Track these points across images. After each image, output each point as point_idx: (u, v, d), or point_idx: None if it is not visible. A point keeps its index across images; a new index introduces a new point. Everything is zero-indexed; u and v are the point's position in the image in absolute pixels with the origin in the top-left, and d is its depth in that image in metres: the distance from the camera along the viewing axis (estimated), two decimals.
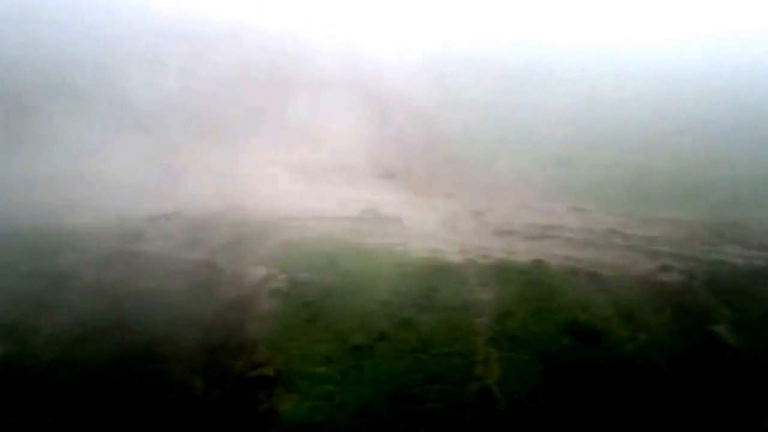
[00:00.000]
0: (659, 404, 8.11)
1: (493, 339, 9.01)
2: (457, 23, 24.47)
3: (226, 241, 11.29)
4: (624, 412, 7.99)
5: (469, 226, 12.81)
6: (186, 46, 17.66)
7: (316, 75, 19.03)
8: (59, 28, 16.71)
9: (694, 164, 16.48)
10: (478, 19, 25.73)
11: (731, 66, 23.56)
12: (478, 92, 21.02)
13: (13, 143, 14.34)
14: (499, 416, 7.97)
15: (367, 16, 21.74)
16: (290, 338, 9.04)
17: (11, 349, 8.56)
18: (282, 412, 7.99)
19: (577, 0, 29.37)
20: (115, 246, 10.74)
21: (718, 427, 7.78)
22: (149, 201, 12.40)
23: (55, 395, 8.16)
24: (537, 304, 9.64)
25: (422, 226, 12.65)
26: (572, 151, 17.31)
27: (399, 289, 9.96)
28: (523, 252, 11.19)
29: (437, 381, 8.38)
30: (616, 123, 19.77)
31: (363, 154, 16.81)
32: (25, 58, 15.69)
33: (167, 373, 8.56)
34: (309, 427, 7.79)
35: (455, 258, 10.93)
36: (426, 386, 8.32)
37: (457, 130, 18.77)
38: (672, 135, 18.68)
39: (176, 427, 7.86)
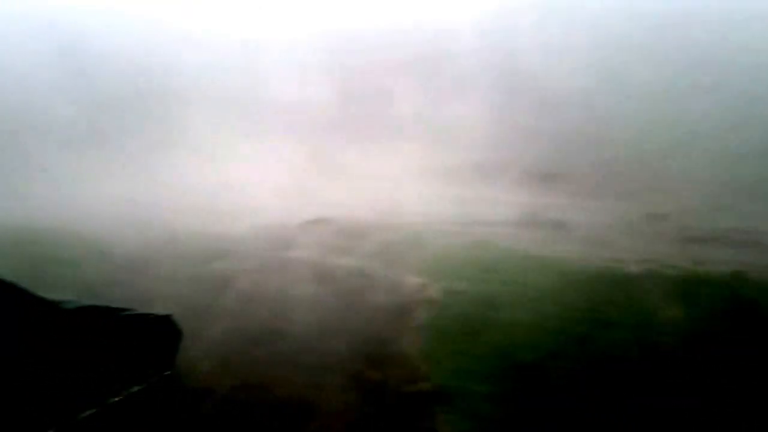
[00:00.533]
0: None
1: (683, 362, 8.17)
2: None
3: (377, 247, 11.40)
4: None
5: (649, 232, 11.88)
6: (326, 52, 18.11)
7: (457, 69, 18.55)
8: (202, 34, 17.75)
9: None
10: None
11: None
12: (648, 76, 19.30)
13: (160, 150, 15.49)
14: None
15: None
16: (448, 352, 8.82)
17: None
18: None
19: None
20: (268, 252, 11.18)
21: None
22: (298, 207, 12.83)
23: (214, 404, 8.51)
24: (738, 323, 8.60)
25: (591, 231, 11.95)
26: None
27: (567, 302, 9.41)
28: (717, 262, 10.10)
29: None
30: None
31: (517, 151, 16.25)
32: (168, 65, 16.87)
33: (319, 385, 8.68)
34: None
35: (633, 268, 10.18)
36: None
37: (624, 120, 17.43)
38: None
39: None
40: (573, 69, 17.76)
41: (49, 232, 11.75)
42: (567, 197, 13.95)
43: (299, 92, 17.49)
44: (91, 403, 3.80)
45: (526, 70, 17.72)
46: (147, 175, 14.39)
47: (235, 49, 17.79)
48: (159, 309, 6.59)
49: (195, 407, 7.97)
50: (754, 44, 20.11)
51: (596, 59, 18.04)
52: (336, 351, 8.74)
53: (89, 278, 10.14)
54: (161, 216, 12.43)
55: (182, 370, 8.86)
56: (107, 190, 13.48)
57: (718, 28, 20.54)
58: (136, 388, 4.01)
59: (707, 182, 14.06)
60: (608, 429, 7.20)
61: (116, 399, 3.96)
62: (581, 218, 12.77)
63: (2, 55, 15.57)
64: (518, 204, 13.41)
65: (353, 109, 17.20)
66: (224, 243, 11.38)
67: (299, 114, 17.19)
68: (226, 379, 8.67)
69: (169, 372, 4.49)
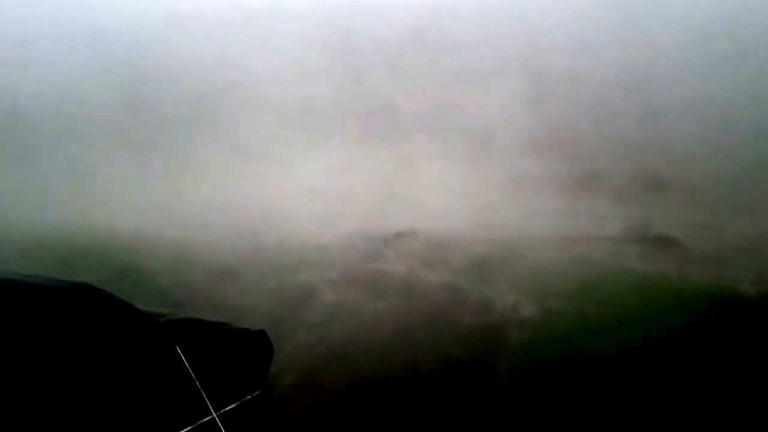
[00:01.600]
0: None
1: None
2: None
3: (469, 262, 11.42)
4: None
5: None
6: (418, 54, 18.13)
7: (555, 73, 18.07)
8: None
9: None
10: None
11: None
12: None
13: (234, 156, 15.88)
14: None
15: None
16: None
17: None
18: None
19: None
20: (354, 264, 11.37)
21: None
22: (386, 217, 12.88)
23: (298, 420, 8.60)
24: None
25: (706, 249, 11.41)
26: None
27: (678, 326, 9.01)
28: None
29: None
30: None
31: (622, 159, 15.72)
32: (231, 69, 17.28)
33: (408, 407, 8.63)
34: None
35: (749, 289, 9.67)
36: None
37: (742, 127, 16.49)
38: None
39: None
40: (681, 73, 16.99)
41: (127, 239, 12.25)
42: (677, 210, 13.42)
43: (383, 92, 17.53)
44: (183, 422, 3.87)
45: (630, 75, 17.13)
46: (226, 182, 14.79)
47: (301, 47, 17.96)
48: (245, 322, 6.73)
49: (281, 424, 8.12)
50: None
51: (707, 63, 17.22)
52: (424, 373, 8.68)
53: (169, 288, 10.50)
54: (246, 223, 12.79)
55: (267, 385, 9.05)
56: (188, 197, 13.94)
57: None
58: (229, 407, 4.10)
59: None
60: None
61: (209, 418, 4.02)
62: (692, 233, 12.27)
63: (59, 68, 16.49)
64: (622, 217, 13.10)
65: (443, 113, 17.11)
66: (309, 253, 11.68)
67: (382, 115, 17.24)
68: (308, 394, 8.78)
69: (260, 390, 4.58)
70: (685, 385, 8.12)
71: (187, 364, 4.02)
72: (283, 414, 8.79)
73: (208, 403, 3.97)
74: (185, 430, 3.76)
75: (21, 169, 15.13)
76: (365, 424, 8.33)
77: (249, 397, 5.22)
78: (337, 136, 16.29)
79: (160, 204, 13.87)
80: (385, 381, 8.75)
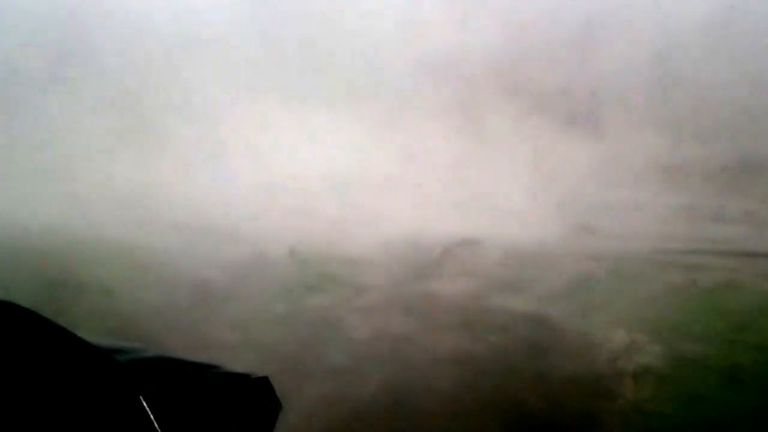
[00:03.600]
0: None
1: None
2: None
3: (561, 283, 11.33)
4: None
5: None
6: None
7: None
8: None
9: None
10: None
11: None
12: None
13: (230, 137, 16.01)
14: None
15: None
16: None
17: None
18: None
19: None
20: (400, 282, 11.27)
21: None
22: (444, 218, 12.81)
23: None
24: None
25: None
26: None
27: None
28: None
29: None
30: None
31: None
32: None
33: None
34: None
35: None
36: None
37: None
38: None
39: None
40: None
41: (65, 241, 12.33)
42: None
43: (442, 35, 17.64)
44: None
45: None
46: (208, 162, 14.87)
47: None
48: (239, 366, 6.65)
49: None
50: None
51: None
52: None
53: (129, 314, 10.54)
54: (243, 225, 12.77)
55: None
56: (152, 184, 14.06)
57: None
58: None
59: None
60: None
61: None
62: None
63: None
64: None
65: (528, 72, 17.11)
66: (332, 268, 11.61)
67: (439, 80, 17.34)
68: None
69: None
70: None
71: (156, 424, 3.89)
72: None
73: None
74: None
75: None
76: None
77: None
78: (370, 100, 16.29)
79: (114, 194, 13.99)
80: None
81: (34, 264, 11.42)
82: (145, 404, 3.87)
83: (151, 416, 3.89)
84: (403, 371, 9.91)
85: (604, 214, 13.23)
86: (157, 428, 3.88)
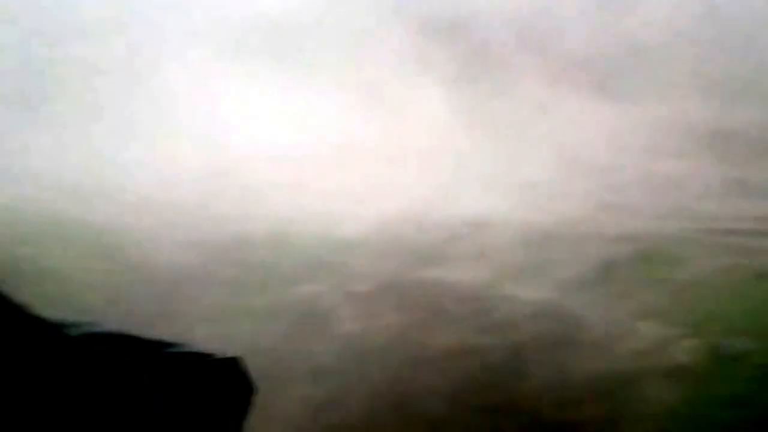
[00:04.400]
0: None
1: None
2: None
3: (584, 269, 11.34)
4: None
5: None
6: None
7: None
8: None
9: None
10: None
11: None
12: None
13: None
14: None
15: None
16: None
17: None
18: None
19: None
20: (393, 270, 11.30)
21: None
22: (453, 199, 12.89)
23: None
24: None
25: None
26: None
27: None
28: None
29: None
30: None
31: None
32: None
33: None
34: None
35: None
36: None
37: None
38: None
39: None
40: None
41: (21, 220, 12.45)
42: None
43: None
44: None
45: None
46: (189, 136, 15.05)
47: None
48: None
49: None
50: None
51: None
52: None
53: (88, 304, 10.62)
54: (218, 201, 12.92)
55: None
56: (116, 156, 14.23)
57: None
58: None
59: None
60: None
61: None
62: None
63: None
64: None
65: (549, 27, 17.26)
66: (322, 252, 11.72)
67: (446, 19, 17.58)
68: None
69: None
70: None
71: (111, 402, 4.06)
72: None
73: None
74: None
75: None
76: None
77: None
78: (363, 61, 16.37)
79: (72, 169, 14.08)
80: None
81: None
82: (97, 377, 4.00)
83: (105, 393, 4.02)
84: (400, 371, 9.90)
85: (635, 188, 13.29)
86: (110, 406, 4.00)
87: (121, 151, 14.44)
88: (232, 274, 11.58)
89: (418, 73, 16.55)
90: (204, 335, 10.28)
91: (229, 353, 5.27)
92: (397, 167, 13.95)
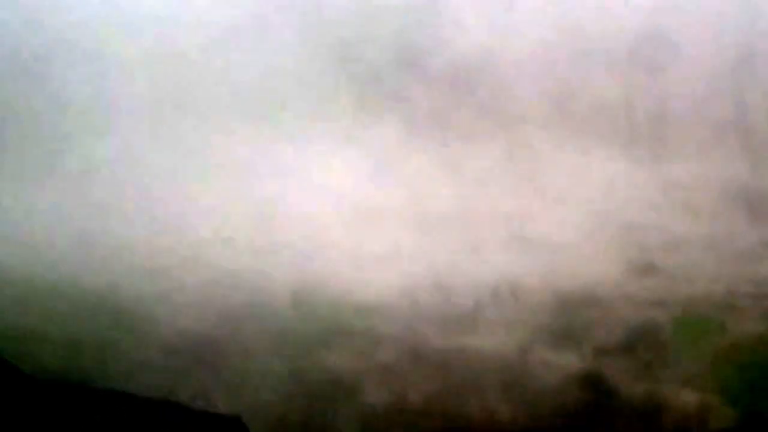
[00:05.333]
0: None
1: None
2: None
3: (620, 334, 11.25)
4: None
5: None
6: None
7: None
8: None
9: None
10: None
11: None
12: None
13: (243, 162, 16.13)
14: None
15: None
16: None
17: None
18: None
19: None
20: (425, 335, 11.11)
21: None
22: (482, 262, 12.75)
23: None
24: None
25: None
26: None
27: None
28: None
29: None
30: None
31: None
32: None
33: None
34: None
35: None
36: None
37: None
38: None
39: None
40: None
41: (38, 292, 12.30)
42: None
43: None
44: None
45: None
46: (209, 197, 14.91)
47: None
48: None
49: None
50: None
51: None
52: None
53: (102, 373, 10.43)
54: (238, 264, 12.77)
55: None
56: (144, 222, 14.12)
57: None
58: None
59: None
60: None
61: None
62: None
63: None
64: None
65: (580, 83, 17.19)
66: (340, 316, 11.48)
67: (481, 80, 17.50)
68: None
69: None
70: None
71: None
72: None
73: None
74: None
75: None
76: None
77: None
78: (387, 114, 16.27)
79: (88, 234, 13.99)
80: None
81: None
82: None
83: None
84: None
85: (670, 251, 13.12)
86: None
87: (139, 216, 14.32)
88: (252, 340, 11.40)
89: (435, 132, 16.43)
90: (222, 406, 10.09)
91: (233, 413, 5.18)
92: (422, 231, 13.82)
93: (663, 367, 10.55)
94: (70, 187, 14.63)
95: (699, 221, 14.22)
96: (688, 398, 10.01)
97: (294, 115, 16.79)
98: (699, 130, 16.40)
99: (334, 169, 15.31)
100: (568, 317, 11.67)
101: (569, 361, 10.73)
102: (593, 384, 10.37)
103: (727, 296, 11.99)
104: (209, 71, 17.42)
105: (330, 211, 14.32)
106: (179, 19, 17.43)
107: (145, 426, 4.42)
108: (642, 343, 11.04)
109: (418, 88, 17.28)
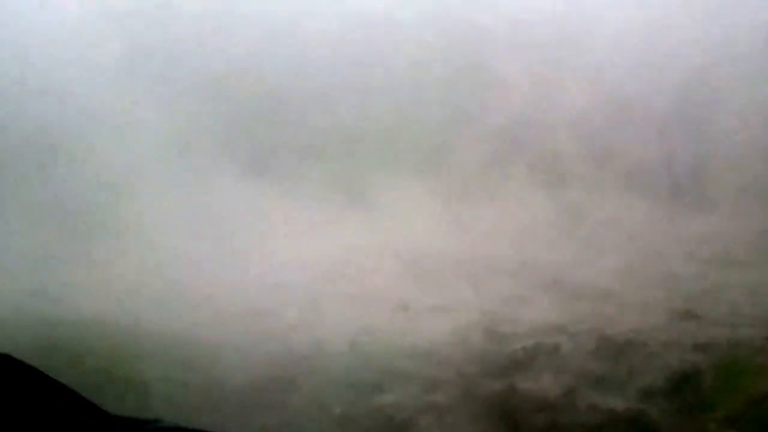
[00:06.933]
0: None
1: None
2: None
3: (663, 378, 11.29)
4: None
5: None
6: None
7: None
8: None
9: None
10: None
11: None
12: None
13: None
14: None
15: None
16: None
17: None
18: None
19: None
20: (476, 378, 11.38)
21: None
22: (530, 308, 12.97)
23: None
24: None
25: None
26: None
27: None
28: None
29: None
30: None
31: None
32: None
33: None
34: None
35: None
36: None
37: None
38: None
39: None
40: None
41: (111, 338, 12.65)
42: None
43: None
44: None
45: None
46: (270, 251, 15.36)
47: None
48: None
49: None
50: None
51: None
52: None
53: (169, 417, 10.77)
54: (298, 314, 13.12)
55: None
56: (209, 273, 14.55)
57: None
58: None
59: None
60: None
61: None
62: None
63: None
64: None
65: (622, 139, 17.50)
66: (396, 361, 11.77)
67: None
68: None
69: None
70: None
71: None
72: None
73: None
74: None
75: None
76: None
77: None
78: (443, 168, 16.59)
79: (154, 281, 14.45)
80: None
81: (71, 357, 11.80)
82: None
83: None
84: None
85: (711, 297, 13.25)
86: None
87: (223, 270, 14.75)
88: (310, 386, 11.67)
89: (484, 187, 16.76)
90: None
91: None
92: (473, 280, 14.12)
93: (705, 410, 10.66)
94: (156, 239, 15.12)
95: (737, 270, 14.40)
96: None
97: (349, 164, 17.16)
98: (736, 183, 16.64)
99: (388, 221, 15.69)
100: (613, 362, 11.84)
101: (614, 404, 10.89)
102: (638, 425, 10.53)
103: (766, 341, 12.10)
104: None
105: (387, 263, 14.65)
106: None
107: None
108: (684, 387, 11.15)
109: (469, 144, 17.70)
